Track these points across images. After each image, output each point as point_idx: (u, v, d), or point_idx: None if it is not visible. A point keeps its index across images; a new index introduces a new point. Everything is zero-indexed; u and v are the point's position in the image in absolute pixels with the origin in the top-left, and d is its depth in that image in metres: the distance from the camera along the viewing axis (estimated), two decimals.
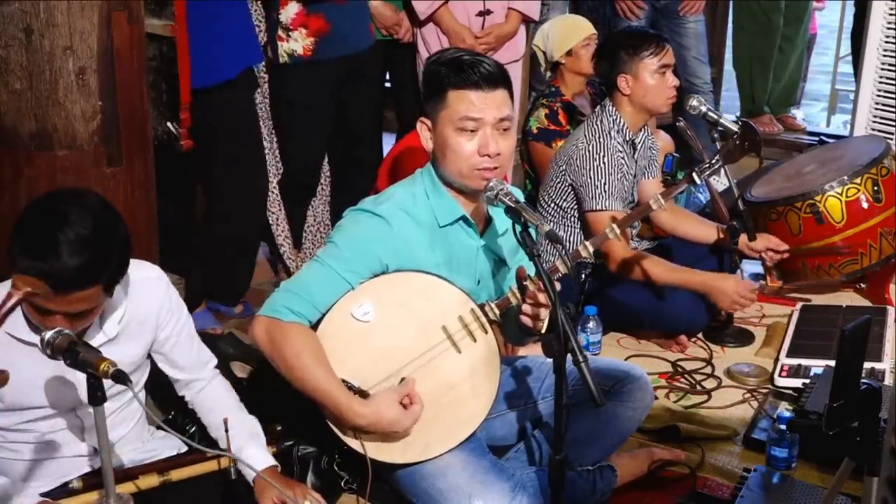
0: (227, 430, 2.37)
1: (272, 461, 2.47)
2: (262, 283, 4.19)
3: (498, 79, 2.44)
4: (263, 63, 3.87)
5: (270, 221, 4.08)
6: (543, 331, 2.49)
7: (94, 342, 2.24)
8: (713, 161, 3.12)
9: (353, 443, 2.47)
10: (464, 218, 2.52)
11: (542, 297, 2.38)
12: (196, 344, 2.54)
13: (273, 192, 4.04)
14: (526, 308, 2.43)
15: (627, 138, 3.59)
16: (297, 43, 3.75)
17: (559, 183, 3.62)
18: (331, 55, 3.82)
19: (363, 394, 2.44)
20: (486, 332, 2.51)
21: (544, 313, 2.43)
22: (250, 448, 2.43)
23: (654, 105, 3.57)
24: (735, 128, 3.53)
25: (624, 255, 3.48)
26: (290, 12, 3.73)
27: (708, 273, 3.53)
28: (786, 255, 3.75)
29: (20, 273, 2.05)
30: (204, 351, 2.57)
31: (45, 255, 2.04)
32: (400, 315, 2.47)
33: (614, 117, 3.57)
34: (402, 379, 2.46)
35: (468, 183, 2.47)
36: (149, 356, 2.48)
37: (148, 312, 2.39)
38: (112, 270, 2.15)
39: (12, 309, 2.00)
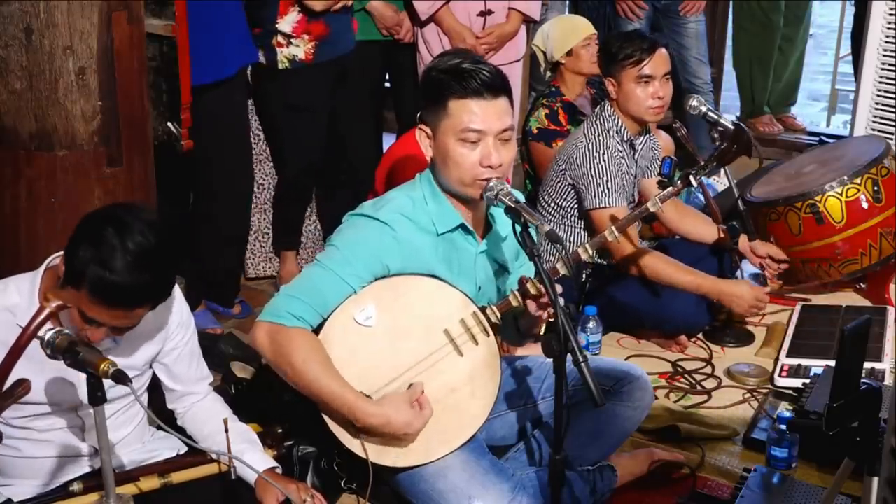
0: (227, 431, 2.37)
1: (272, 463, 2.48)
2: (260, 282, 4.19)
3: (499, 86, 2.41)
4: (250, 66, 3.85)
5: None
6: (542, 332, 2.50)
7: (101, 347, 2.23)
8: (707, 164, 3.16)
9: (355, 446, 2.47)
10: (462, 226, 2.51)
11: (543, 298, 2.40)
12: (197, 359, 2.54)
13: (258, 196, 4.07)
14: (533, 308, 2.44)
15: (626, 138, 3.59)
16: (299, 48, 3.73)
17: (559, 182, 3.62)
18: (327, 57, 3.81)
19: (367, 399, 2.43)
20: (488, 335, 2.51)
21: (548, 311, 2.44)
22: (250, 452, 2.43)
23: (636, 113, 3.55)
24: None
25: (635, 253, 3.47)
26: (290, 20, 3.71)
27: (720, 280, 3.52)
28: (785, 267, 3.76)
29: (84, 284, 2.08)
30: (203, 367, 2.57)
31: (116, 272, 2.07)
32: (402, 319, 2.46)
33: (613, 117, 3.58)
34: (410, 385, 2.45)
35: (468, 192, 2.45)
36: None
37: (160, 323, 2.39)
38: (169, 290, 2.23)
39: (43, 322, 2.00)
